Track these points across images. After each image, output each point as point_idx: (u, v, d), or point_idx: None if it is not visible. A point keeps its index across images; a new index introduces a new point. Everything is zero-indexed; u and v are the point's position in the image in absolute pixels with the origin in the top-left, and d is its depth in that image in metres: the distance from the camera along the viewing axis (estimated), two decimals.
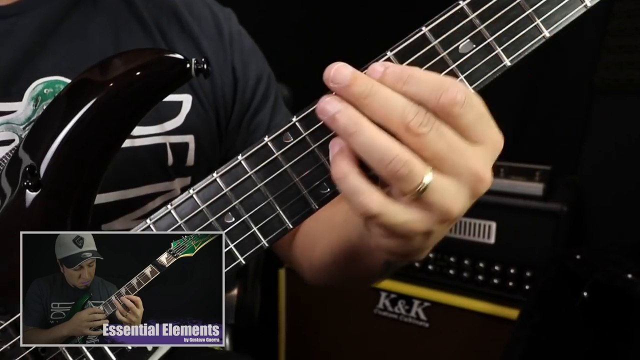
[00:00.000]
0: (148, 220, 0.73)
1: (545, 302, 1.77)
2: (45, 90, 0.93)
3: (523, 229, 2.00)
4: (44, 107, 0.92)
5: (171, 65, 0.75)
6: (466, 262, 2.09)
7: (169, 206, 0.73)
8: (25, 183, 0.75)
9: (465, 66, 0.68)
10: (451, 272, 2.13)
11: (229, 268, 0.72)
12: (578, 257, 1.72)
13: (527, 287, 2.01)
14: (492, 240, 2.04)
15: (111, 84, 0.74)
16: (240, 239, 0.72)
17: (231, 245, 0.72)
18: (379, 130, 0.63)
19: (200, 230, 0.72)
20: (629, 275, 1.57)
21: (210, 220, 0.72)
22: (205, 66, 0.75)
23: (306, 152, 0.70)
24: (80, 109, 0.74)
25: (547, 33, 0.67)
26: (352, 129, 0.63)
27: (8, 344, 0.75)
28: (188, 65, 0.74)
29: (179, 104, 1.03)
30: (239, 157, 0.71)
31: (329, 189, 0.70)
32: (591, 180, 2.24)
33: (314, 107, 0.67)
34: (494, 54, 0.67)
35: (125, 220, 0.98)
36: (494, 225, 2.03)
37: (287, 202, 0.71)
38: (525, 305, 1.85)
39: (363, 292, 2.27)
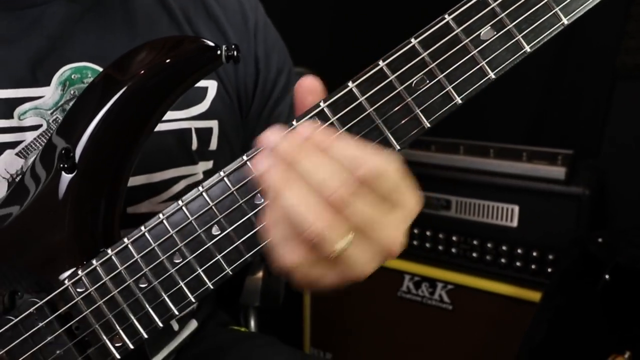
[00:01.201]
0: (180, 202, 0.74)
1: (567, 285, 1.78)
2: (73, 76, 0.94)
3: (545, 213, 2.01)
4: (72, 92, 0.94)
5: (203, 52, 0.77)
6: (489, 245, 2.10)
7: (200, 188, 0.73)
8: (61, 165, 0.77)
9: (486, 52, 0.69)
10: (474, 255, 2.14)
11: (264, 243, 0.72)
12: (600, 240, 1.73)
13: (549, 270, 2.02)
14: (515, 223, 2.05)
15: (143, 71, 0.76)
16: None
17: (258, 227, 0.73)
18: (300, 196, 0.64)
19: (229, 211, 0.73)
20: None
21: (240, 202, 0.72)
22: (235, 53, 0.76)
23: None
24: (114, 94, 0.76)
25: (565, 20, 0.69)
26: (273, 192, 0.66)
27: (44, 322, 0.77)
28: (219, 52, 0.76)
29: (204, 90, 1.05)
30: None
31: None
32: (613, 164, 2.23)
33: (342, 92, 0.70)
34: (514, 40, 0.69)
35: (151, 204, 1.00)
36: (516, 208, 2.04)
37: None
38: (547, 288, 1.86)
39: (387, 275, 2.28)
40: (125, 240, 0.75)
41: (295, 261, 0.66)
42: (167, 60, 0.76)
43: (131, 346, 0.77)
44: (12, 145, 0.90)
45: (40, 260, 0.79)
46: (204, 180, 1.05)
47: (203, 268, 0.74)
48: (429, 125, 0.71)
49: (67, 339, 0.78)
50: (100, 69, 0.93)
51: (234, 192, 0.72)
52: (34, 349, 0.78)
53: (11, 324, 0.78)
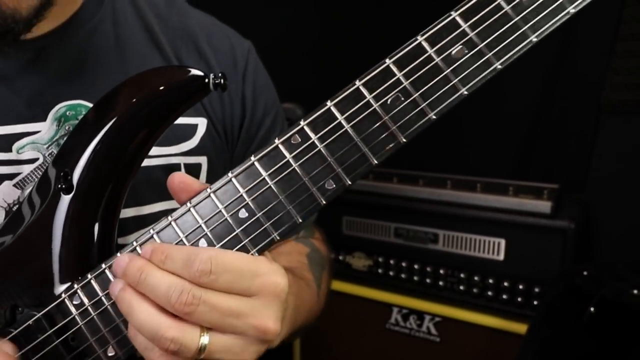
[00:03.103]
0: (170, 217, 0.78)
1: (553, 317, 1.79)
2: (68, 113, 0.98)
3: (532, 246, 2.02)
4: (67, 128, 0.97)
5: (191, 80, 0.79)
6: (476, 278, 2.11)
7: (188, 204, 0.77)
8: (59, 186, 0.80)
9: (458, 70, 0.73)
10: (461, 287, 2.14)
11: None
12: (585, 273, 1.73)
13: (535, 302, 2.02)
14: (502, 256, 2.06)
15: (134, 99, 0.79)
16: (254, 235, 0.76)
17: (245, 241, 0.75)
18: (151, 311, 0.69)
19: (215, 226, 0.76)
20: (635, 291, 1.59)
21: (226, 217, 0.76)
22: (222, 81, 0.78)
23: (313, 152, 0.75)
24: (108, 122, 0.79)
25: (534, 38, 0.73)
26: (126, 310, 0.71)
27: (42, 335, 0.80)
28: (206, 80, 0.78)
29: (194, 127, 1.08)
30: (252, 158, 0.76)
31: (334, 185, 0.76)
32: (598, 198, 2.25)
33: (321, 110, 0.74)
34: (484, 58, 0.73)
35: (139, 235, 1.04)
36: (503, 242, 2.05)
37: (297, 199, 0.76)
38: (533, 320, 1.86)
39: (375, 307, 2.30)
40: (118, 254, 0.78)
41: None
42: (159, 88, 0.79)
43: (123, 357, 0.79)
44: (10, 177, 0.94)
45: (39, 276, 0.82)
46: None
47: None
48: (404, 140, 0.74)
49: (64, 351, 0.81)
50: None
51: (222, 210, 0.76)
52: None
53: (10, 336, 0.81)
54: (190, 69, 0.79)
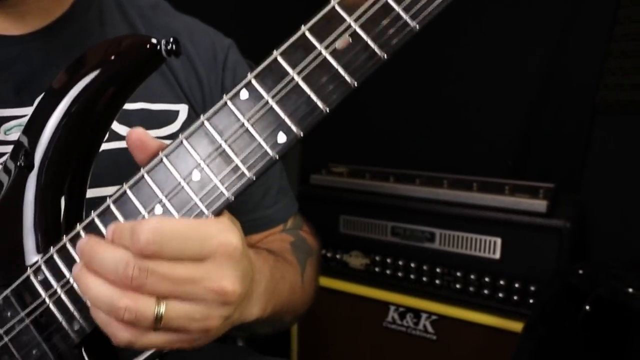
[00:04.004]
0: (143, 170, 0.77)
1: (548, 316, 1.79)
2: None
3: (527, 245, 2.03)
4: None
5: (143, 45, 0.78)
6: (472, 276, 2.12)
7: (160, 153, 0.76)
8: (19, 164, 0.82)
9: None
10: (458, 286, 2.16)
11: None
12: (580, 272, 1.74)
13: (531, 301, 2.04)
14: (498, 255, 2.08)
15: (93, 69, 0.80)
16: (210, 199, 0.74)
17: (200, 206, 0.74)
18: (99, 287, 0.69)
19: (171, 191, 0.75)
20: (630, 290, 1.59)
21: (179, 182, 0.74)
22: (173, 47, 0.76)
23: (260, 103, 0.72)
24: (66, 94, 0.80)
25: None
26: (82, 288, 0.72)
27: (10, 310, 0.82)
28: (159, 47, 0.76)
29: (176, 113, 1.11)
30: (202, 117, 0.74)
31: (286, 137, 0.72)
32: (593, 197, 2.28)
33: (269, 61, 0.72)
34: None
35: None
36: (499, 241, 2.07)
37: (249, 155, 0.73)
38: (529, 318, 1.86)
39: (372, 305, 2.31)
40: (78, 226, 0.78)
41: (124, 339, 0.70)
42: (112, 58, 0.79)
43: (88, 330, 0.78)
44: None
45: (9, 253, 0.82)
46: None
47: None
48: (356, 83, 0.69)
49: (32, 325, 0.81)
50: None
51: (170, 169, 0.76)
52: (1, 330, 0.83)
53: None
54: (141, 36, 0.80)
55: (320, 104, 0.70)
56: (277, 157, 0.72)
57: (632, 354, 1.55)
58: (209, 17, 1.27)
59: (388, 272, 2.30)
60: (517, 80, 2.36)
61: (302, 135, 0.71)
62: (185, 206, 0.74)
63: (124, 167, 0.95)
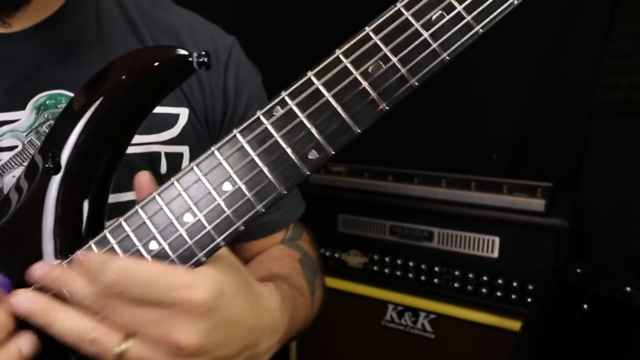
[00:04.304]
0: (156, 194, 0.76)
1: (546, 314, 1.80)
2: (47, 102, 0.98)
3: (525, 244, 2.03)
4: (45, 116, 0.97)
5: (175, 58, 0.78)
6: (470, 275, 2.12)
7: (172, 179, 0.75)
8: (47, 165, 0.79)
9: (438, 34, 0.71)
10: (456, 285, 2.16)
11: (228, 232, 0.74)
12: (578, 270, 1.74)
13: (529, 299, 2.04)
14: (496, 254, 2.08)
15: (121, 77, 0.78)
16: (237, 205, 0.74)
17: (228, 212, 0.74)
18: (70, 317, 0.70)
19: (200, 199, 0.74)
20: (628, 289, 1.59)
21: (210, 191, 0.74)
22: (206, 59, 0.76)
23: (295, 122, 0.73)
24: (96, 101, 0.78)
25: (515, 0, 0.69)
26: (42, 321, 0.71)
27: None
28: (190, 59, 0.76)
29: (176, 117, 1.08)
30: (234, 131, 0.74)
31: (317, 155, 0.73)
32: (591, 196, 2.28)
33: (302, 80, 0.73)
34: (464, 22, 0.71)
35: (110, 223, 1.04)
36: (497, 240, 2.07)
37: (280, 168, 0.73)
38: (527, 317, 1.88)
39: (371, 304, 2.32)
40: (106, 232, 0.76)
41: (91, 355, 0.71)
42: (142, 69, 0.79)
43: None
44: None
45: (31, 257, 0.80)
46: None
47: (176, 254, 0.74)
48: (387, 107, 0.72)
49: None
50: None
51: (202, 178, 0.75)
52: None
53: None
54: (174, 48, 0.79)
55: (351, 123, 0.72)
56: (285, 192, 0.74)
57: (630, 352, 1.55)
58: (208, 11, 1.24)
59: (386, 271, 2.30)
60: (515, 79, 2.36)
61: (333, 153, 0.73)
62: (217, 216, 0.75)
63: (123, 173, 0.95)
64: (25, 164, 0.85)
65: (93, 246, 0.76)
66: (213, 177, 0.74)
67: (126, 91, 0.79)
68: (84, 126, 0.79)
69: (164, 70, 0.78)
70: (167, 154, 1.06)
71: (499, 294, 2.09)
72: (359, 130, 0.73)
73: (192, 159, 1.06)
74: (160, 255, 0.74)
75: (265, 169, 0.73)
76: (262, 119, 0.74)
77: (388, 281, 2.30)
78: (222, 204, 0.74)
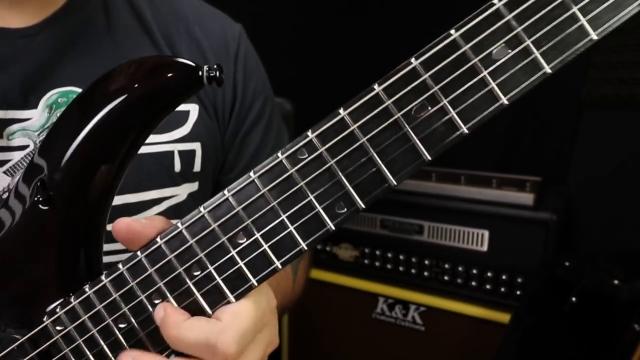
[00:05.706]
0: (159, 239, 0.70)
1: (535, 307, 1.81)
2: (59, 99, 0.96)
3: (514, 237, 2.05)
4: (57, 115, 0.94)
5: (184, 75, 0.71)
6: (460, 268, 2.14)
7: (179, 225, 0.69)
8: (36, 198, 0.73)
9: (498, 73, 0.60)
10: (446, 278, 2.17)
11: (241, 290, 0.69)
12: (567, 263, 1.76)
13: (518, 292, 2.05)
14: (485, 247, 2.09)
15: (124, 93, 0.71)
16: (251, 258, 0.68)
17: (241, 263, 0.68)
18: None
19: (210, 249, 0.68)
20: (616, 281, 1.62)
21: (222, 240, 0.68)
22: (217, 74, 0.70)
23: (323, 168, 0.64)
24: (92, 119, 0.72)
25: (594, 35, 0.58)
26: None
27: (25, 359, 0.75)
28: (200, 73, 0.70)
29: (186, 114, 1.06)
30: (252, 175, 0.66)
31: (345, 209, 0.64)
32: (580, 190, 2.29)
33: (331, 122, 0.63)
34: (531, 58, 0.59)
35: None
36: (486, 233, 2.08)
37: (300, 220, 0.66)
38: (516, 309, 1.90)
39: (362, 297, 2.33)
40: (103, 278, 0.72)
41: None
42: (148, 81, 0.72)
43: None
44: (1, 163, 0.92)
45: (22, 294, 0.76)
46: (187, 202, 1.06)
47: (182, 306, 0.70)
48: (429, 158, 0.63)
49: None
50: None
51: (215, 228, 0.68)
52: None
53: None
54: (182, 62, 0.72)
55: (386, 173, 0.64)
56: (334, 228, 0.66)
57: (618, 344, 1.56)
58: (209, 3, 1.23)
59: (377, 264, 2.31)
60: None
61: (363, 207, 0.65)
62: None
63: (135, 174, 0.95)
64: (25, 166, 0.79)
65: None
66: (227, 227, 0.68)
67: (128, 107, 0.72)
68: (78, 146, 0.73)
69: (171, 86, 0.72)
70: (180, 152, 1.05)
71: (488, 286, 2.10)
72: (395, 183, 0.64)
73: (204, 154, 1.07)
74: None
75: (285, 219, 0.66)
76: (285, 162, 0.65)
77: (379, 274, 2.31)
78: (237, 257, 0.68)
